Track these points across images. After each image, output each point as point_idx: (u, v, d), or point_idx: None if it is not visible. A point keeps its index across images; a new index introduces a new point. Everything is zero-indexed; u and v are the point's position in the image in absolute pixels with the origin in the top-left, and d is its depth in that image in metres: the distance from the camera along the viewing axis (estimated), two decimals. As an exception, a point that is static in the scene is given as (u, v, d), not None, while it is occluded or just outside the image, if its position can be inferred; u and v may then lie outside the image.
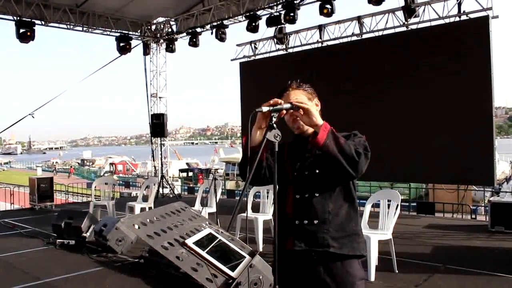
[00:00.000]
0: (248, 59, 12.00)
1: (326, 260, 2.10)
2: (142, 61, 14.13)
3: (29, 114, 11.67)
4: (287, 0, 10.04)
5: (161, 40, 13.94)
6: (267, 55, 11.78)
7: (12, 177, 35.18)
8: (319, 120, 2.05)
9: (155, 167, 14.64)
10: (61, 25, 11.54)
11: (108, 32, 12.62)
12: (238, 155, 28.70)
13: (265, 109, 2.01)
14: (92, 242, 6.75)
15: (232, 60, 12.33)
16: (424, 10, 8.99)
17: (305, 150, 2.19)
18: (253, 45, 12.08)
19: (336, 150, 1.99)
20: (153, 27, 13.92)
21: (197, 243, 4.44)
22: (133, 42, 13.12)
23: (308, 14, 11.81)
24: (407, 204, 10.96)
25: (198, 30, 12.46)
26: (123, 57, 12.93)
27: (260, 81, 10.41)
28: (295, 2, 9.96)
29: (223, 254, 4.43)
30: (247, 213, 6.96)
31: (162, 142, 14.32)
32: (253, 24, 10.83)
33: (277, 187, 2.24)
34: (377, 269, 5.15)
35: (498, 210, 7.64)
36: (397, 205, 5.38)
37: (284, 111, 2.08)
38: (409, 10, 9.09)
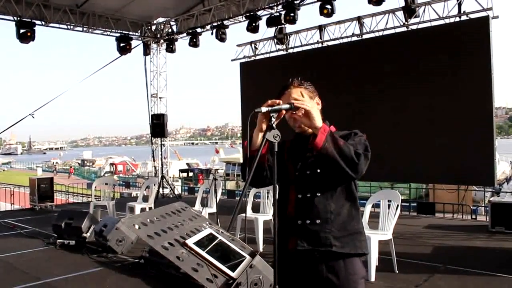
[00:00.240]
0: (249, 60, 12.01)
1: (328, 259, 2.11)
2: (142, 62, 14.17)
3: (29, 115, 11.67)
4: (287, 1, 10.04)
5: (161, 41, 13.95)
6: (268, 55, 11.79)
7: (13, 177, 35.19)
8: (318, 122, 2.05)
9: (155, 167, 14.64)
10: (61, 26, 11.54)
11: (108, 33, 12.62)
12: (238, 156, 28.70)
13: (264, 109, 2.01)
14: (92, 243, 6.75)
15: (232, 60, 12.34)
16: (424, 11, 9.00)
17: (306, 150, 2.18)
18: (253, 45, 12.08)
19: (335, 152, 1.99)
20: (153, 27, 13.92)
21: (197, 243, 4.44)
22: (133, 43, 13.14)
23: (308, 15, 11.82)
24: (408, 204, 10.96)
25: (198, 30, 12.46)
26: (123, 58, 12.95)
27: (260, 81, 10.42)
28: (295, 2, 9.96)
29: (223, 254, 4.43)
30: (246, 214, 6.95)
31: (162, 143, 14.32)
32: (253, 24, 10.83)
33: (279, 187, 2.26)
34: (377, 269, 5.15)
35: (498, 210, 7.64)
36: (397, 205, 5.38)
37: (284, 111, 2.08)
38: (409, 10, 9.09)
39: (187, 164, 36.91)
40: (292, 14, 9.95)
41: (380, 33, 9.66)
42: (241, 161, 20.85)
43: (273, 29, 11.31)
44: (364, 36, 9.99)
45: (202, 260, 4.18)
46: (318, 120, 2.06)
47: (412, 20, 9.14)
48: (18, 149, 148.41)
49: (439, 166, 7.97)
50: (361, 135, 2.18)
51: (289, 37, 11.55)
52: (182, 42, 13.33)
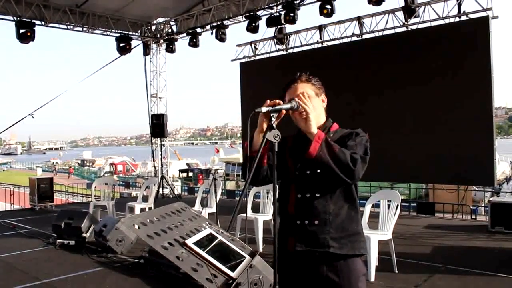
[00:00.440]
0: (248, 60, 12.00)
1: (327, 260, 2.11)
2: (142, 62, 14.17)
3: (29, 115, 11.67)
4: (287, 1, 10.04)
5: (161, 41, 13.94)
6: (267, 55, 11.79)
7: (12, 177, 35.19)
8: (313, 129, 2.05)
9: (155, 167, 14.63)
10: (61, 26, 11.54)
11: (108, 33, 12.62)
12: (238, 156, 28.70)
13: (264, 109, 2.01)
14: (92, 243, 6.75)
15: (232, 60, 12.34)
16: (424, 11, 9.00)
17: (307, 150, 2.18)
18: (253, 45, 12.08)
19: (330, 160, 1.99)
20: (153, 27, 13.92)
21: (197, 243, 4.44)
22: (133, 43, 13.14)
23: (308, 15, 11.82)
24: (407, 204, 10.95)
25: (198, 30, 12.46)
26: (123, 58, 12.95)
27: (260, 81, 10.42)
28: (295, 2, 9.96)
29: (223, 254, 4.42)
30: (246, 214, 6.95)
31: (162, 143, 14.32)
32: (253, 24, 10.83)
33: (280, 184, 2.27)
34: (377, 269, 5.15)
35: (498, 210, 7.64)
36: (397, 205, 5.38)
37: (284, 111, 2.08)
38: (409, 11, 9.09)
39: (187, 164, 36.92)
40: (292, 14, 9.95)
41: (380, 33, 9.66)
42: (241, 161, 20.86)
43: (273, 29, 11.31)
44: (364, 36, 9.99)
45: (202, 260, 4.18)
46: (314, 127, 2.06)
47: (412, 20, 9.14)
48: (18, 149, 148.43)
49: (439, 166, 7.97)
50: (363, 135, 2.17)
51: (289, 37, 11.55)
52: (182, 42, 13.35)
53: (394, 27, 9.45)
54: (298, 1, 9.99)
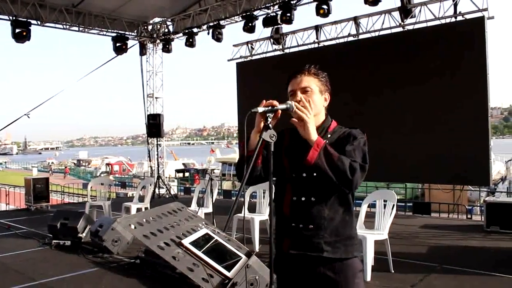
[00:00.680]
0: (245, 60, 12.00)
1: (322, 262, 2.12)
2: (138, 62, 14.14)
3: (25, 114, 11.62)
4: (283, 1, 10.04)
5: (158, 41, 13.92)
6: (264, 55, 11.78)
7: (8, 177, 35.04)
8: (313, 136, 2.03)
9: (151, 167, 14.61)
10: (57, 25, 11.49)
11: (105, 32, 12.57)
12: (234, 156, 28.69)
13: (260, 109, 2.01)
14: (88, 243, 6.74)
15: (228, 60, 12.33)
16: (420, 11, 9.01)
17: (304, 152, 2.14)
18: (249, 45, 12.07)
19: (328, 169, 1.98)
20: (150, 27, 13.89)
21: (193, 243, 4.43)
22: (130, 42, 13.08)
23: (305, 15, 11.83)
24: (403, 204, 10.98)
25: (195, 30, 12.44)
26: (119, 57, 12.91)
27: (256, 81, 10.42)
28: (292, 2, 9.97)
29: (219, 254, 4.42)
30: (244, 213, 6.94)
31: (159, 143, 14.30)
32: (250, 24, 10.83)
33: (275, 182, 2.26)
34: (373, 269, 5.16)
35: (493, 210, 7.67)
36: (393, 205, 5.39)
37: (280, 112, 2.07)
38: (405, 11, 9.11)
39: (183, 164, 36.87)
40: (288, 14, 9.96)
41: (377, 33, 9.68)
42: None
43: (270, 29, 11.31)
44: (361, 36, 10.00)
45: (198, 260, 4.18)
46: (313, 133, 2.03)
47: (408, 21, 9.16)
48: (13, 149, 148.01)
49: (435, 166, 8.00)
50: (361, 137, 2.14)
51: (286, 37, 11.55)
52: (179, 42, 13.32)
53: (391, 27, 9.46)
54: (294, 1, 9.99)
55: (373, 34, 9.76)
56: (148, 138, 14.26)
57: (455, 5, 8.51)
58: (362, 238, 5.00)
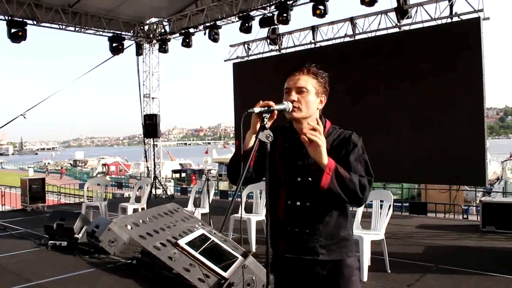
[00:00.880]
0: (241, 60, 12.00)
1: (317, 264, 2.14)
2: (135, 62, 14.11)
3: (21, 115, 11.58)
4: (280, 1, 10.05)
5: (154, 41, 13.91)
6: (261, 55, 11.79)
7: (4, 178, 34.91)
8: (324, 159, 1.97)
9: (147, 168, 14.58)
10: (53, 25, 11.47)
11: (101, 33, 12.56)
12: (231, 156, 28.64)
13: (257, 110, 2.00)
14: (84, 243, 6.72)
15: (225, 60, 12.32)
16: (416, 11, 9.04)
17: (298, 156, 2.15)
18: (246, 45, 12.08)
19: (341, 192, 1.98)
20: (146, 27, 13.87)
21: (189, 243, 4.43)
22: (126, 43, 13.08)
23: (301, 15, 11.84)
24: (400, 204, 11.00)
25: (191, 30, 12.44)
26: (115, 58, 12.89)
27: (253, 81, 10.41)
28: (288, 3, 9.97)
29: (215, 254, 4.42)
30: (241, 214, 6.94)
31: (155, 143, 14.26)
32: (246, 24, 10.83)
33: (270, 188, 2.24)
34: (369, 269, 5.16)
35: (489, 210, 7.70)
36: (390, 205, 5.40)
37: (276, 112, 2.07)
38: (401, 11, 9.13)
39: (180, 164, 36.83)
40: (285, 15, 9.97)
41: (373, 34, 9.70)
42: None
43: (266, 29, 11.32)
44: (357, 37, 10.02)
45: (194, 261, 4.18)
46: (325, 157, 1.98)
47: (405, 21, 9.18)
48: (9, 149, 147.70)
49: (431, 166, 8.02)
50: (360, 144, 2.14)
51: (282, 37, 11.56)
52: (175, 42, 13.32)
53: (387, 28, 9.48)
54: (291, 2, 10.00)
55: (369, 35, 9.78)
56: (145, 138, 14.23)
57: (451, 6, 8.54)
58: (358, 239, 5.00)
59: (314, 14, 9.49)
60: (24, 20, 10.64)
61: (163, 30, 13.56)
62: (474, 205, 12.10)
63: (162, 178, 15.41)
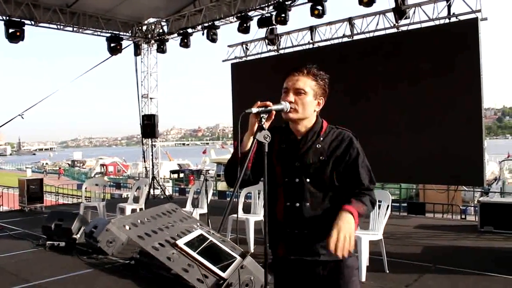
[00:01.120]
0: (240, 60, 12.00)
1: (318, 265, 2.14)
2: (133, 62, 14.10)
3: (19, 115, 11.57)
4: (278, 1, 10.05)
5: (152, 41, 13.89)
6: (259, 56, 11.78)
7: (1, 178, 34.83)
8: (353, 229, 1.99)
9: (146, 168, 14.57)
10: (51, 25, 11.44)
11: (99, 33, 12.53)
12: (229, 156, 28.62)
13: (254, 110, 2.00)
14: (83, 244, 6.71)
15: (223, 61, 12.31)
16: (414, 12, 9.04)
17: (295, 157, 2.16)
18: (244, 46, 12.07)
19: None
20: (144, 27, 13.86)
21: (188, 244, 4.43)
22: (124, 43, 13.06)
23: (299, 15, 11.83)
24: (398, 204, 11.01)
25: (189, 30, 12.43)
26: (114, 58, 12.87)
27: (251, 82, 10.42)
28: (286, 3, 9.98)
29: (214, 255, 4.42)
30: (238, 214, 6.94)
31: (153, 143, 14.26)
32: (245, 25, 10.83)
33: (268, 190, 2.24)
34: (368, 270, 5.17)
35: (487, 210, 7.71)
36: (388, 205, 5.41)
37: (274, 112, 2.06)
38: (399, 12, 9.14)
39: (178, 165, 36.81)
40: (283, 15, 9.97)
41: (371, 34, 9.70)
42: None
43: (264, 29, 11.32)
44: (355, 37, 10.03)
45: (193, 261, 4.17)
46: (353, 229, 2.00)
47: (402, 22, 9.18)
48: (7, 150, 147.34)
49: (429, 166, 8.03)
50: (360, 148, 2.16)
51: (280, 38, 11.56)
52: (173, 42, 13.30)
53: (385, 28, 9.48)
54: (289, 2, 10.00)
55: (367, 35, 9.79)
56: (143, 138, 14.22)
57: (449, 7, 8.54)
58: (357, 239, 5.00)
59: (312, 14, 9.50)
60: (22, 20, 10.62)
61: (161, 30, 13.55)
62: (472, 205, 12.11)
63: (160, 178, 15.39)
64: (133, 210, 8.27)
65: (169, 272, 4.92)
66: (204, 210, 7.35)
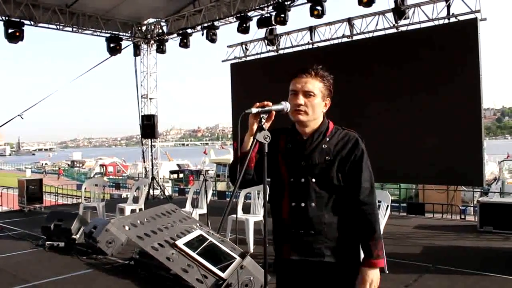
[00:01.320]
0: (239, 60, 12.00)
1: (322, 267, 2.14)
2: (132, 62, 14.09)
3: (18, 115, 11.56)
4: (278, 2, 10.05)
5: (152, 41, 13.89)
6: (258, 56, 11.78)
7: (1, 178, 34.81)
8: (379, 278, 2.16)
9: (145, 168, 14.56)
10: (50, 26, 11.43)
11: (98, 33, 12.52)
12: (229, 157, 28.65)
13: (254, 110, 2.00)
14: (82, 244, 6.71)
15: (223, 61, 12.31)
16: (413, 12, 9.04)
17: (301, 157, 2.16)
18: (244, 46, 12.07)
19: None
20: (144, 28, 13.85)
21: (187, 244, 4.43)
22: (124, 43, 13.05)
23: (299, 16, 11.83)
24: (397, 204, 11.02)
25: (189, 31, 12.42)
26: (113, 58, 12.87)
27: (251, 82, 10.42)
28: (286, 3, 9.97)
29: (213, 255, 4.42)
30: (237, 215, 6.94)
31: (153, 143, 14.25)
32: (244, 25, 10.83)
33: (272, 189, 2.25)
34: (367, 270, 5.16)
35: (486, 211, 7.71)
36: (387, 205, 5.40)
37: (274, 113, 2.06)
38: (399, 12, 9.14)
39: (178, 165, 36.81)
40: (282, 15, 9.96)
41: (370, 35, 9.71)
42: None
43: (264, 30, 11.32)
44: (355, 37, 10.03)
45: (192, 261, 4.18)
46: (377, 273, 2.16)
47: (402, 22, 9.19)
48: (6, 150, 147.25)
49: (429, 167, 8.03)
50: (365, 151, 2.18)
51: (280, 38, 11.56)
52: (173, 43, 13.30)
53: (384, 29, 9.49)
54: (289, 2, 10.00)
55: (367, 35, 9.79)
56: (142, 139, 14.21)
57: (448, 7, 8.55)
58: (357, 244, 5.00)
59: (312, 14, 9.50)
60: (21, 21, 10.61)
61: (160, 31, 13.54)
62: (472, 205, 12.12)
63: (160, 178, 15.40)
64: (133, 211, 8.27)
65: (169, 273, 4.92)
66: (204, 210, 7.34)
